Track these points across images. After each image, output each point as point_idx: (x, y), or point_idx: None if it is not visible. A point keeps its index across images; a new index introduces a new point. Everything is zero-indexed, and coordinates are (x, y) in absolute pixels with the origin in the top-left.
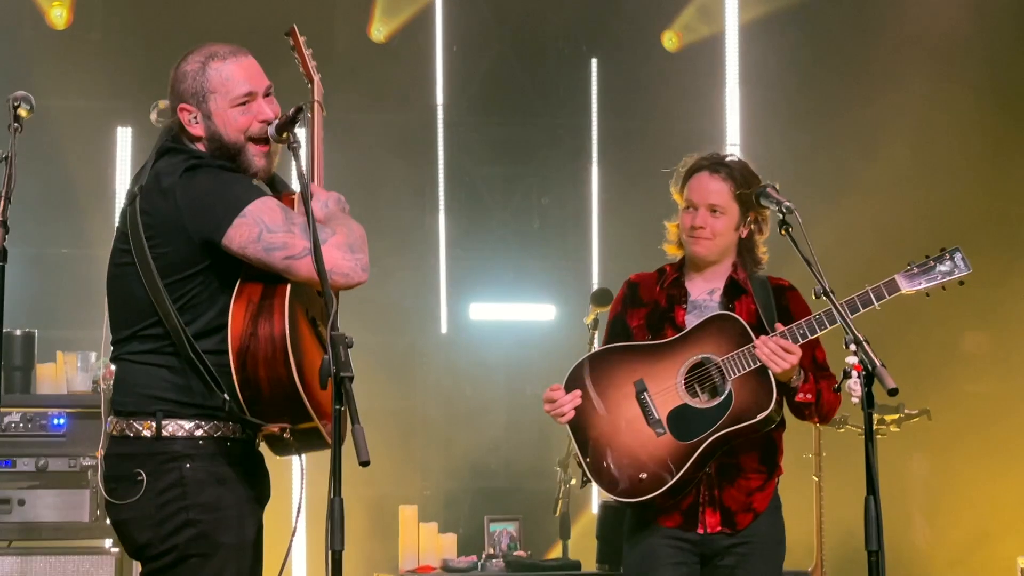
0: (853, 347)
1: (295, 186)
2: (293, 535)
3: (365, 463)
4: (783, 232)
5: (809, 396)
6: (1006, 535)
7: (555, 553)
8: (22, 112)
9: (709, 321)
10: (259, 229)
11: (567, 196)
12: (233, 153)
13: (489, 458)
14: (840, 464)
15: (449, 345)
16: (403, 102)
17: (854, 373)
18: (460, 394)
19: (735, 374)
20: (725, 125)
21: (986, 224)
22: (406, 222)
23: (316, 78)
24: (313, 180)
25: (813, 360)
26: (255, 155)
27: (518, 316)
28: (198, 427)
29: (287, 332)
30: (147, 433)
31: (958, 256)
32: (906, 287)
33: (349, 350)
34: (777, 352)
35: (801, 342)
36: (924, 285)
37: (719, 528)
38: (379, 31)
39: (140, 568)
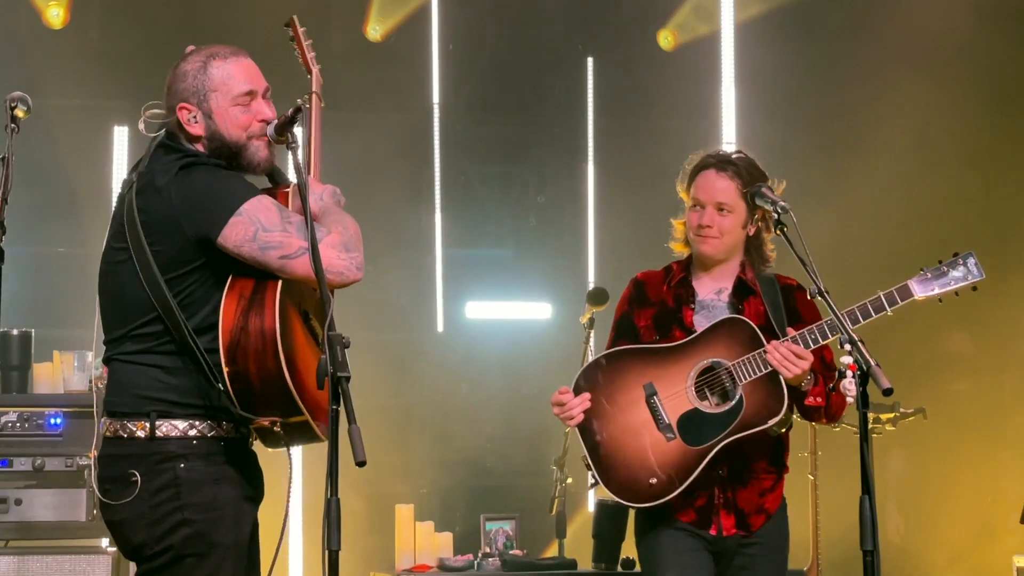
0: (848, 347)
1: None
2: (281, 538)
3: (361, 463)
4: (778, 232)
5: (819, 400)
6: (1003, 534)
7: (551, 552)
8: (19, 113)
9: (719, 325)
10: (255, 228)
11: (563, 195)
12: (234, 151)
13: (485, 457)
14: (836, 463)
15: (445, 343)
16: (399, 101)
17: (849, 373)
18: (456, 392)
19: (746, 379)
20: (721, 124)
21: (981, 225)
22: (402, 220)
23: (315, 69)
24: (310, 172)
25: (821, 360)
26: (258, 147)
27: (514, 314)
28: (192, 427)
29: (277, 326)
30: (141, 434)
31: (971, 261)
32: (919, 293)
33: (346, 350)
34: (789, 358)
35: (813, 347)
36: (938, 291)
37: (734, 531)
38: (375, 30)
39: (136, 568)
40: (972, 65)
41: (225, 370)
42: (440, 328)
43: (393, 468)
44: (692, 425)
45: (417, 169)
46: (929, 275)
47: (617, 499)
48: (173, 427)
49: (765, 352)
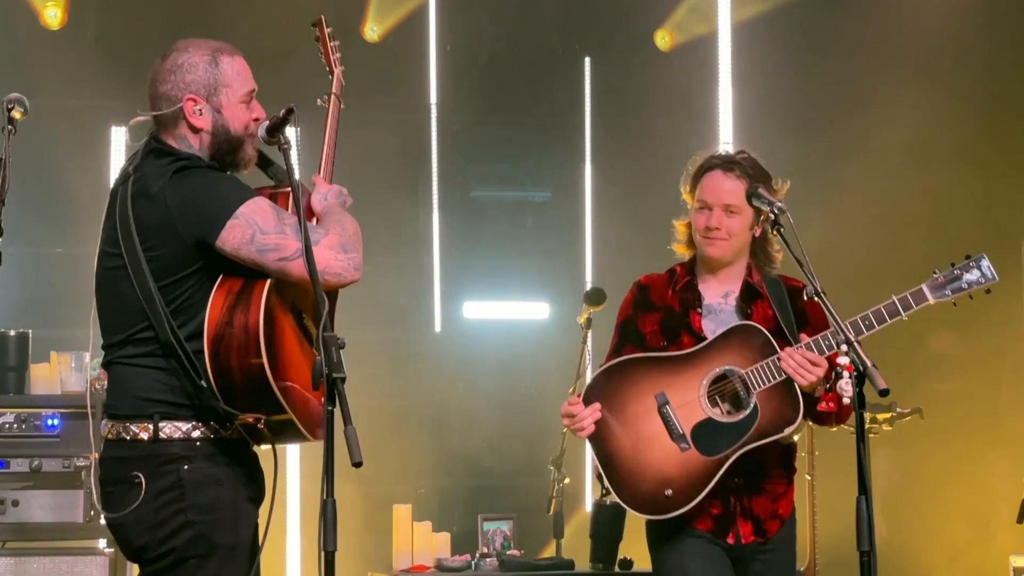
0: (844, 347)
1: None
2: (264, 535)
3: (358, 464)
4: (774, 232)
5: (832, 405)
6: (1000, 533)
7: (549, 552)
8: (16, 114)
9: (731, 331)
10: (252, 231)
11: (560, 195)
12: (235, 146)
13: (483, 457)
14: (834, 463)
15: (443, 343)
16: (397, 101)
17: (845, 373)
18: (454, 392)
19: (761, 387)
20: (718, 124)
21: (977, 226)
22: (400, 220)
23: (337, 71)
24: (319, 172)
25: (830, 363)
26: (250, 145)
27: (512, 314)
28: (195, 428)
29: (261, 323)
30: (144, 436)
31: (984, 264)
32: (933, 298)
33: (341, 351)
34: (804, 365)
35: (827, 354)
36: (951, 295)
37: (752, 538)
38: (373, 30)
39: (137, 570)
40: (969, 66)
41: (208, 365)
42: (437, 328)
43: (390, 468)
44: (706, 435)
45: (414, 169)
46: (942, 279)
47: (632, 510)
48: (176, 428)
49: (780, 359)
